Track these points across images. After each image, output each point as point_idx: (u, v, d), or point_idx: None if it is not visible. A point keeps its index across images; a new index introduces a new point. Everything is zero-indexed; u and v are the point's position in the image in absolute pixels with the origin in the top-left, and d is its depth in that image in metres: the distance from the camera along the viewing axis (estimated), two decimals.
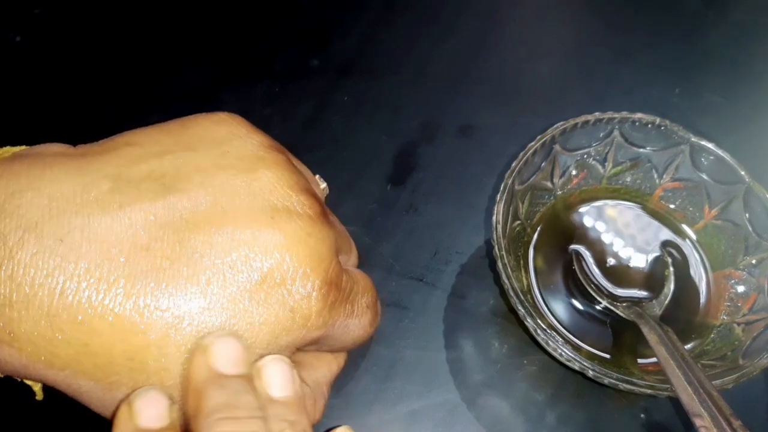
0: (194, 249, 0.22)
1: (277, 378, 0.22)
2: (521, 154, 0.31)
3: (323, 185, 0.31)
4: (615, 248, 0.33)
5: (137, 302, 0.21)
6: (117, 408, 0.21)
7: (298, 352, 0.25)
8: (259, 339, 0.22)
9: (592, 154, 0.34)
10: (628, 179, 0.35)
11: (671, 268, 0.33)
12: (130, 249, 0.21)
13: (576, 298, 0.32)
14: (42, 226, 0.20)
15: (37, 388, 0.24)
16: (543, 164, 0.33)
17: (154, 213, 0.22)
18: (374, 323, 0.28)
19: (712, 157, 0.32)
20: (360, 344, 0.28)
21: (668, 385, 0.26)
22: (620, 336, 0.31)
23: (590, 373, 0.27)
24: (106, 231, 0.21)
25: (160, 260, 0.21)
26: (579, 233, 0.34)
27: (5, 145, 0.24)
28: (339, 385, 0.30)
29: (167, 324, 0.21)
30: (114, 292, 0.21)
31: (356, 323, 0.26)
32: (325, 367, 0.28)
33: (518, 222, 0.32)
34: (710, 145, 0.32)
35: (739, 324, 0.30)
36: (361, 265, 0.32)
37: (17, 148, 0.24)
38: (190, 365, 0.21)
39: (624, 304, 0.31)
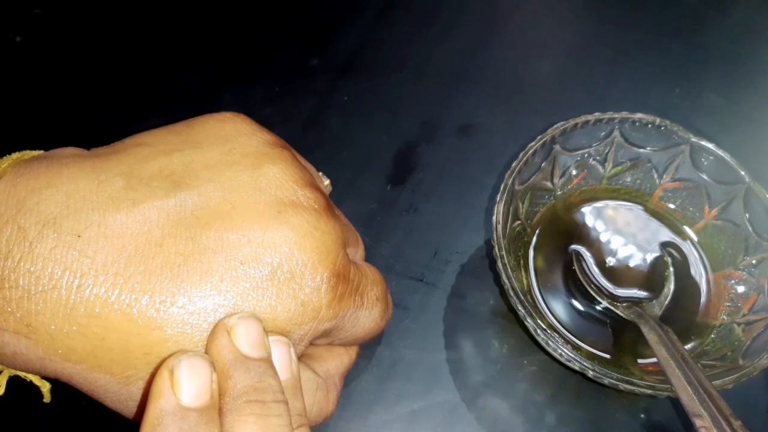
0: (206, 245, 0.22)
1: (276, 360, 0.22)
2: (521, 154, 0.31)
3: (327, 182, 0.31)
4: (615, 248, 0.33)
5: (153, 297, 0.21)
6: (154, 373, 0.21)
7: (310, 345, 0.25)
8: (272, 333, 0.23)
9: (592, 154, 0.34)
10: (628, 179, 0.35)
11: (671, 268, 0.33)
12: (145, 245, 0.21)
13: (576, 298, 0.32)
14: (60, 222, 0.21)
15: (45, 389, 0.24)
16: (543, 164, 0.33)
17: (166, 210, 0.22)
18: (385, 316, 0.28)
19: (712, 157, 0.32)
20: (372, 337, 0.28)
21: (668, 385, 0.26)
22: (620, 336, 0.31)
23: (590, 373, 0.27)
24: (121, 227, 0.21)
25: (173, 256, 0.22)
26: (579, 233, 0.34)
27: (17, 150, 0.24)
28: None
29: (183, 320, 0.21)
30: (130, 287, 0.21)
31: (366, 315, 0.26)
32: (337, 359, 0.28)
33: (518, 222, 0.32)
34: (710, 145, 0.32)
35: (739, 324, 0.30)
36: None
37: (35, 152, 0.25)
38: (213, 344, 0.21)
39: (624, 304, 0.31)
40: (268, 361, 0.21)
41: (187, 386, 0.19)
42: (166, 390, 0.19)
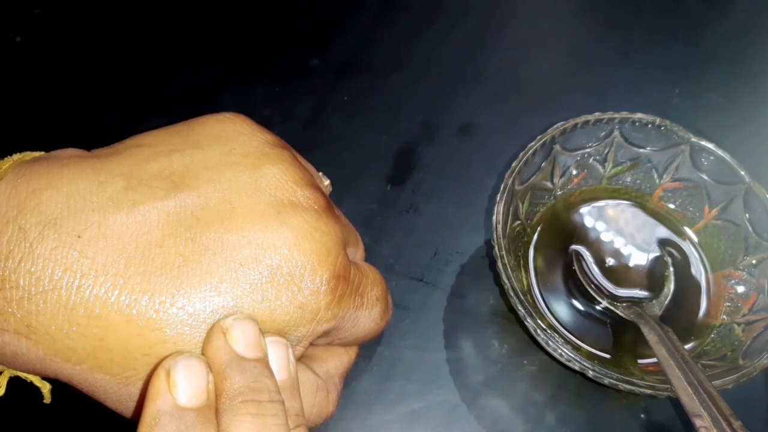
0: (206, 246, 0.22)
1: (273, 361, 0.22)
2: (521, 154, 0.31)
3: (327, 182, 0.31)
4: (615, 248, 0.33)
5: (153, 298, 0.21)
6: (151, 374, 0.21)
7: (309, 345, 0.25)
8: (270, 334, 0.23)
9: (592, 154, 0.34)
10: (628, 179, 0.35)
11: (671, 268, 0.33)
12: (145, 246, 0.21)
13: (576, 298, 0.32)
14: (61, 222, 0.21)
15: (45, 390, 0.24)
16: (543, 164, 0.33)
17: (166, 210, 0.22)
18: (385, 316, 0.28)
19: (712, 157, 0.32)
20: (372, 337, 0.28)
21: (668, 385, 0.26)
22: (620, 336, 0.31)
23: (590, 373, 0.27)
24: (122, 228, 0.22)
25: (173, 257, 0.22)
26: (579, 233, 0.34)
27: (17, 150, 0.25)
28: None
29: (182, 321, 0.21)
30: (130, 287, 0.21)
31: (366, 315, 0.26)
32: (336, 359, 0.28)
33: (518, 222, 0.32)
34: (710, 145, 0.32)
35: (739, 324, 0.30)
36: None
37: (36, 153, 0.25)
38: (209, 345, 0.21)
39: (624, 304, 0.31)
40: (264, 361, 0.21)
41: (184, 386, 0.19)
42: (163, 390, 0.19)
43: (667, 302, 0.32)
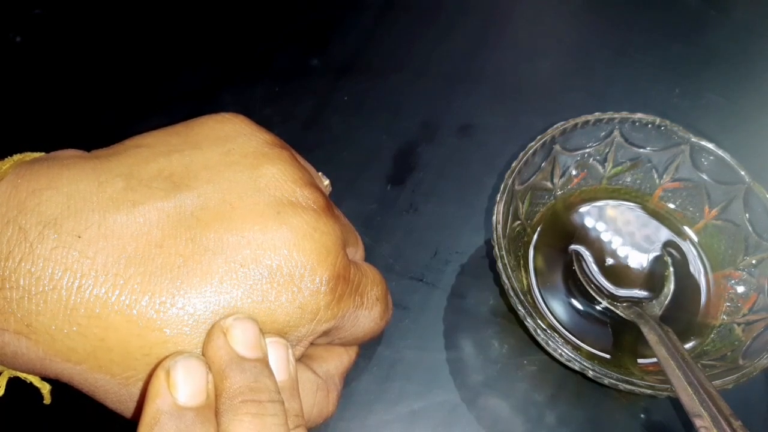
0: (206, 247, 0.22)
1: (273, 361, 0.22)
2: (521, 154, 0.31)
3: (326, 182, 0.31)
4: (615, 248, 0.33)
5: (153, 299, 0.21)
6: (151, 374, 0.21)
7: (309, 345, 0.25)
8: (270, 334, 0.23)
9: (592, 154, 0.34)
10: (628, 179, 0.35)
11: (671, 268, 0.33)
12: (145, 246, 0.21)
13: (576, 298, 0.32)
14: (61, 222, 0.21)
15: (45, 391, 0.24)
16: (543, 164, 0.33)
17: (166, 211, 0.22)
18: (385, 316, 0.28)
19: (712, 157, 0.32)
20: (372, 337, 0.28)
21: (668, 385, 0.26)
22: (620, 336, 0.31)
23: (590, 373, 0.27)
24: (122, 228, 0.22)
25: (174, 258, 0.22)
26: (579, 233, 0.34)
27: (17, 150, 0.25)
28: None
29: (182, 321, 0.21)
30: (130, 287, 0.21)
31: (366, 315, 0.26)
32: (337, 359, 0.28)
33: (518, 222, 0.32)
34: (710, 145, 0.32)
35: (739, 324, 0.30)
36: None
37: (36, 154, 0.25)
38: (209, 345, 0.21)
39: (624, 304, 0.31)
40: (264, 361, 0.21)
41: (183, 386, 0.20)
42: (162, 390, 0.19)
43: (667, 302, 0.32)
